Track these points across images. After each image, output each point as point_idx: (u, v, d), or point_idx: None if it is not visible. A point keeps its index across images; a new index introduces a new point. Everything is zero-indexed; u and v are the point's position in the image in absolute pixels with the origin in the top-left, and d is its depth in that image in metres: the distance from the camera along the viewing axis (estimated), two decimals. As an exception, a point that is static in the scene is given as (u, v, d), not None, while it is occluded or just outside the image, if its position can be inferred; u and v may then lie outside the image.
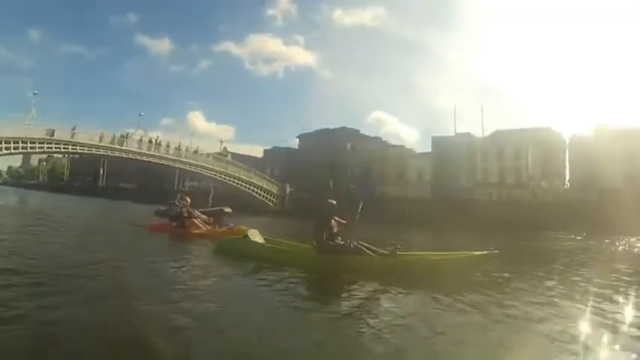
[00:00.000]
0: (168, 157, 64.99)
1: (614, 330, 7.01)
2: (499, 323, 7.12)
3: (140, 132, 65.97)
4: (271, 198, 74.50)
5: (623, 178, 57.28)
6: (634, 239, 31.56)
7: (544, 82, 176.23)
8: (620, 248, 26.80)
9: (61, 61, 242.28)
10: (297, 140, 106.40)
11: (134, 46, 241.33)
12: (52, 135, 53.05)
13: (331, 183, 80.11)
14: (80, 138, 55.20)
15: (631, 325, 7.47)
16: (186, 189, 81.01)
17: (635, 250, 26.39)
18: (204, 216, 22.91)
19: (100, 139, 57.50)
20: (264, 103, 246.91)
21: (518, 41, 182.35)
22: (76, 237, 19.11)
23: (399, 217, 47.66)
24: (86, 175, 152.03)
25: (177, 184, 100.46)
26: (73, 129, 54.29)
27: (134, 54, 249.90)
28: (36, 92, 59.75)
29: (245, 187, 71.37)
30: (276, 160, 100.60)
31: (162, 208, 27.45)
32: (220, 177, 69.42)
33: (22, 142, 50.10)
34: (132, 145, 61.44)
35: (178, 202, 23.02)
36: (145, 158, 63.81)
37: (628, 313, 8.34)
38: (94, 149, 58.62)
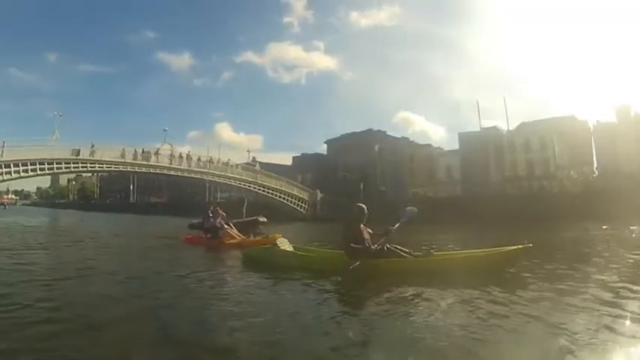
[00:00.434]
0: (196, 170, 65.60)
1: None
2: (536, 321, 6.78)
3: (166, 147, 66.38)
4: (302, 204, 74.68)
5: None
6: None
7: (564, 68, 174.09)
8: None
9: (81, 82, 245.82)
10: (326, 146, 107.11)
11: (154, 63, 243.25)
12: (78, 154, 54.06)
13: (361, 186, 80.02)
14: (102, 155, 56.06)
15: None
16: (218, 201, 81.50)
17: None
18: (233, 227, 22.63)
19: (122, 156, 57.83)
20: (290, 111, 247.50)
21: (536, 28, 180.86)
22: (116, 253, 19.77)
23: (431, 217, 47.02)
24: (116, 192, 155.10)
25: (207, 197, 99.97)
26: (92, 147, 54.89)
27: (155, 70, 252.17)
28: (58, 113, 61.56)
29: (275, 195, 71.71)
30: (306, 167, 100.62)
31: (195, 221, 28.00)
32: (250, 187, 69.89)
33: (48, 164, 51.12)
34: (159, 160, 62.33)
35: (212, 213, 23.05)
36: (172, 173, 64.96)
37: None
38: (121, 166, 60.00)
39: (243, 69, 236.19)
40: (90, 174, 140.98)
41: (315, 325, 7.04)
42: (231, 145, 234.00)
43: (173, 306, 8.62)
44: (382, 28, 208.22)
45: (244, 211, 38.40)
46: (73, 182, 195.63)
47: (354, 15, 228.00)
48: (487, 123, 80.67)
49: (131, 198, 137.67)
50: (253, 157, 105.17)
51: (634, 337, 6.12)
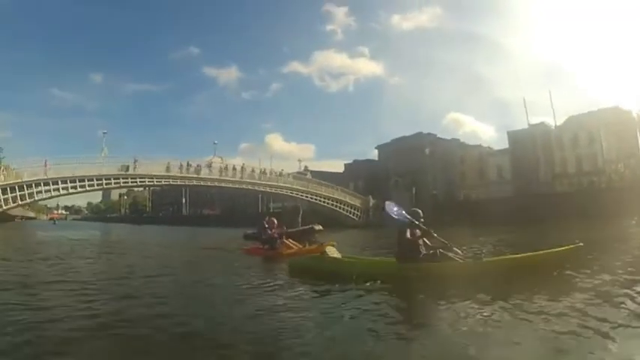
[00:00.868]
0: (247, 181, 67.05)
1: None
2: (586, 328, 6.48)
3: (216, 159, 67.94)
4: (355, 212, 75.52)
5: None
6: None
7: (606, 56, 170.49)
8: None
9: (128, 99, 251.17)
10: (377, 151, 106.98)
11: (202, 78, 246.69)
12: (127, 170, 56.43)
13: (413, 190, 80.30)
14: (146, 170, 58.41)
15: None
16: (271, 211, 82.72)
17: None
18: (289, 237, 22.41)
19: (167, 169, 60.08)
20: (340, 118, 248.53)
21: (575, 18, 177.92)
22: (178, 265, 20.03)
23: (482, 219, 46.78)
24: (169, 205, 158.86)
25: (260, 207, 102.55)
26: (135, 162, 56.83)
27: (203, 85, 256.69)
28: (105, 131, 63.85)
29: (327, 203, 73.25)
30: (358, 173, 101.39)
31: (250, 231, 29.67)
32: (302, 196, 71.04)
33: (97, 180, 53.90)
34: (209, 173, 63.95)
35: (267, 224, 22.88)
36: (223, 184, 66.62)
37: None
38: (171, 180, 62.40)
39: (291, 79, 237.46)
40: (142, 188, 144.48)
41: (365, 335, 6.95)
42: (283, 155, 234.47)
43: (218, 314, 8.87)
44: (424, 30, 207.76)
45: (300, 220, 39.46)
46: (125, 197, 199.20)
47: (395, 18, 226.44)
48: (536, 119, 79.87)
49: (184, 210, 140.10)
50: (305, 166, 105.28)
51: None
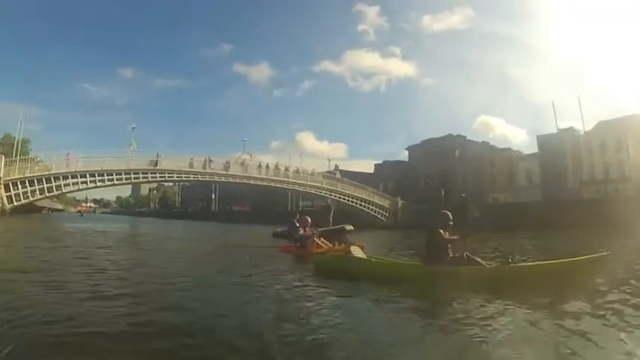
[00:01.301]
0: (275, 178, 66.53)
1: None
2: (610, 340, 6.29)
3: (245, 156, 68.29)
4: (383, 212, 74.47)
5: None
6: None
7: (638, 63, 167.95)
8: None
9: (158, 95, 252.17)
10: (407, 152, 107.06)
11: (233, 75, 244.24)
12: (156, 165, 56.48)
13: (442, 193, 79.29)
14: (169, 165, 58.26)
15: None
16: (300, 209, 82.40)
17: None
18: (320, 236, 21.63)
19: (190, 165, 59.54)
20: (372, 118, 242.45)
21: (608, 20, 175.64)
22: (204, 258, 20.14)
23: (510, 223, 46.36)
24: (198, 201, 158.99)
25: (290, 205, 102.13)
26: (157, 156, 56.95)
27: (234, 82, 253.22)
28: (134, 126, 63.57)
29: (356, 203, 72.04)
30: (388, 174, 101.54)
31: (280, 229, 29.76)
32: (330, 195, 70.38)
33: (126, 174, 53.94)
34: (237, 170, 63.71)
35: (298, 222, 22.66)
36: (251, 182, 66.16)
37: None
38: (199, 176, 62.09)
39: (322, 78, 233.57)
40: (171, 184, 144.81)
41: (388, 337, 6.87)
42: (315, 154, 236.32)
43: (232, 307, 8.74)
44: (456, 31, 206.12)
45: (331, 219, 38.56)
46: (155, 191, 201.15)
47: (426, 19, 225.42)
48: (566, 123, 78.64)
49: (213, 206, 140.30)
50: (336, 165, 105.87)
51: None
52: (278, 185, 68.70)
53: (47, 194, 50.40)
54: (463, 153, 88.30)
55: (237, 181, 66.22)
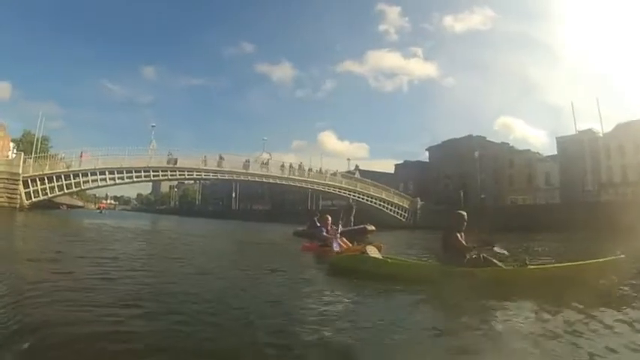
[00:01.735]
0: (295, 177, 66.53)
1: None
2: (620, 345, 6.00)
3: (265, 155, 68.65)
4: (402, 212, 73.93)
5: None
6: None
7: None
8: None
9: (180, 93, 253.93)
10: (427, 152, 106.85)
11: (255, 75, 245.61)
12: (175, 163, 56.46)
13: (461, 194, 79.10)
14: (184, 163, 57.93)
15: None
16: (320, 208, 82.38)
17: None
18: (341, 236, 20.69)
19: (204, 163, 59.27)
20: (394, 118, 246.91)
21: (629, 24, 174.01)
22: (220, 254, 19.64)
23: (529, 225, 47.08)
24: (218, 199, 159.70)
25: (310, 204, 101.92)
26: (169, 155, 56.84)
27: (257, 81, 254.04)
28: (154, 125, 63.94)
29: (375, 203, 71.56)
30: (408, 175, 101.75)
31: (300, 228, 29.62)
32: (349, 194, 69.30)
33: (145, 172, 54.26)
34: (256, 169, 63.96)
35: (319, 221, 22.58)
36: (270, 180, 66.31)
37: None
38: (219, 174, 62.36)
39: (345, 78, 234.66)
40: (192, 181, 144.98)
41: (403, 339, 6.51)
42: (337, 154, 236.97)
43: (245, 304, 8.41)
44: (478, 32, 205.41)
45: (352, 219, 38.03)
46: (175, 189, 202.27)
47: (448, 20, 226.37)
48: (585, 125, 78.15)
49: (233, 205, 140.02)
50: (356, 165, 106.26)
51: None
52: (297, 184, 68.48)
53: (66, 191, 50.57)
54: (483, 154, 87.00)
55: (257, 179, 66.14)
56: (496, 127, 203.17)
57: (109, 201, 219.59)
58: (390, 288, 10.13)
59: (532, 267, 10.74)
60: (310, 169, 69.17)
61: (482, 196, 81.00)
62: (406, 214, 74.61)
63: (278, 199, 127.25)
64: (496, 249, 10.95)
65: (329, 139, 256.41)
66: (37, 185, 46.44)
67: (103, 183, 52.38)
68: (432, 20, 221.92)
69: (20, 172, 45.54)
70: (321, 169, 70.99)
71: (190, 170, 59.20)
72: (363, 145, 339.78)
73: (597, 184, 72.03)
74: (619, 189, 67.91)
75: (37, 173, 46.63)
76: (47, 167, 48.07)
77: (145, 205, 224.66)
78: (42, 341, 5.44)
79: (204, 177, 67.03)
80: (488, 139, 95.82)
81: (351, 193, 70.05)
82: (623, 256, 10.47)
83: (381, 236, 26.00)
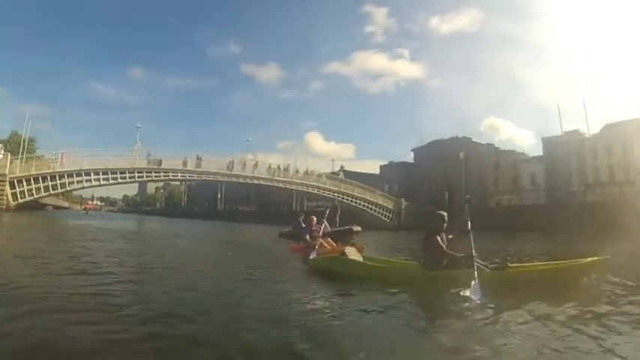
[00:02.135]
0: (279, 179, 67.95)
1: None
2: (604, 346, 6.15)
3: (249, 156, 70.00)
4: (386, 213, 75.38)
5: None
6: None
7: None
8: None
9: (168, 95, 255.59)
10: (413, 154, 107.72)
11: (241, 75, 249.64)
12: (160, 164, 57.99)
13: (446, 195, 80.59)
14: (167, 165, 59.54)
15: None
16: (305, 209, 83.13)
17: None
18: (326, 236, 20.48)
19: (184, 164, 60.59)
20: (380, 119, 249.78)
21: (618, 23, 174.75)
22: (200, 256, 19.75)
23: (514, 226, 47.95)
24: (204, 200, 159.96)
25: (295, 205, 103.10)
26: (148, 155, 58.15)
27: (242, 82, 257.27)
28: (139, 126, 65.09)
29: (359, 204, 73.22)
30: (393, 175, 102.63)
31: (286, 229, 29.31)
32: (333, 195, 70.59)
33: (130, 173, 55.63)
34: (239, 170, 65.32)
35: (304, 222, 23.01)
36: (255, 182, 67.44)
37: None
38: (203, 175, 63.81)
39: (331, 79, 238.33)
40: (178, 182, 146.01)
41: (381, 341, 6.62)
42: (322, 155, 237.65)
43: (222, 305, 8.51)
44: (465, 33, 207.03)
45: (337, 219, 38.57)
46: (161, 190, 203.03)
47: (434, 20, 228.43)
48: (573, 126, 78.97)
49: (219, 206, 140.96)
50: (341, 166, 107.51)
51: None
52: (281, 185, 69.73)
53: (52, 192, 51.59)
54: (468, 155, 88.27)
55: (241, 180, 67.40)
56: (482, 128, 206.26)
57: (95, 202, 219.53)
58: (369, 290, 10.27)
59: (514, 268, 10.67)
60: (297, 171, 70.66)
61: (468, 197, 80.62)
62: (390, 215, 76.04)
63: (263, 201, 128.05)
64: (475, 256, 10.53)
65: (315, 140, 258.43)
66: (23, 186, 47.45)
67: (88, 184, 53.28)
68: (419, 21, 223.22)
69: (7, 172, 46.32)
70: (307, 170, 72.39)
71: (175, 171, 60.62)
72: (349, 145, 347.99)
73: (583, 185, 73.23)
74: (606, 189, 69.17)
75: (23, 174, 47.43)
76: (33, 168, 48.84)
77: (131, 207, 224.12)
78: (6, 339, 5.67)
79: (188, 178, 68.04)
80: (474, 140, 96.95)
81: (336, 194, 71.04)
82: (608, 256, 10.77)
83: (365, 237, 25.78)
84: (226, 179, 67.61)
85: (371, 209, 74.38)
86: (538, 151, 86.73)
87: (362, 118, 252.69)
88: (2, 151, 49.23)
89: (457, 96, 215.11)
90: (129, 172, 55.76)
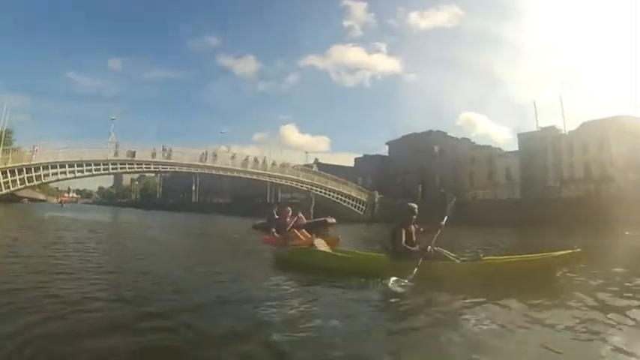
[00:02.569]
0: (252, 170, 69.40)
1: None
2: (580, 332, 6.59)
3: (223, 148, 71.56)
4: (360, 206, 76.85)
5: None
6: None
7: (628, 65, 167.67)
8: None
9: (145, 86, 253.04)
10: (387, 147, 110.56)
11: (219, 67, 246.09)
12: (134, 156, 59.40)
13: (419, 188, 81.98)
14: (143, 156, 61.30)
15: None
16: (279, 201, 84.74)
17: None
18: (301, 228, 21.29)
19: (152, 156, 61.93)
20: (356, 112, 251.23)
21: (598, 23, 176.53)
22: (169, 249, 19.98)
23: (488, 220, 48.17)
24: (179, 192, 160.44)
25: (269, 197, 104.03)
26: (116, 147, 59.29)
27: (220, 74, 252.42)
28: (113, 118, 66.23)
29: (332, 196, 74.68)
30: (368, 168, 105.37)
31: (260, 221, 29.67)
32: (306, 187, 72.76)
33: (104, 164, 57.00)
34: (216, 162, 66.88)
35: (277, 214, 23.36)
36: (228, 173, 69.22)
37: None
38: (176, 167, 65.62)
39: (308, 72, 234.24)
40: (153, 174, 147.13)
41: (349, 332, 6.63)
42: (297, 147, 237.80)
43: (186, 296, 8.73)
44: (443, 29, 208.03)
45: (312, 212, 39.22)
46: (136, 182, 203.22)
47: (413, 16, 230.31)
48: (551, 122, 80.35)
49: (193, 198, 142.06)
50: (315, 159, 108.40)
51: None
52: (254, 177, 71.22)
53: (27, 184, 52.48)
54: (443, 149, 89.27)
55: (213, 172, 68.92)
56: (459, 122, 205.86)
57: (71, 194, 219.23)
58: (335, 282, 10.44)
59: (486, 261, 10.94)
60: (274, 163, 72.05)
61: (442, 190, 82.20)
62: (364, 208, 77.37)
63: (238, 193, 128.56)
64: (431, 250, 11.02)
65: (291, 133, 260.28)
66: (-1, 179, 46.47)
67: (63, 176, 54.51)
68: (397, 16, 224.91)
69: (-18, 165, 45.61)
70: (283, 163, 73.87)
71: (148, 163, 62.02)
72: (325, 138, 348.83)
73: (559, 180, 74.64)
74: (581, 185, 70.56)
75: (0, 167, 48.90)
76: (10, 160, 49.61)
77: (107, 199, 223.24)
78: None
79: (161, 169, 69.49)
80: (450, 134, 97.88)
81: (310, 187, 72.74)
82: (579, 250, 10.87)
83: (338, 229, 26.58)
84: (199, 171, 69.17)
85: (345, 202, 76.07)
86: (514, 146, 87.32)
87: (338, 111, 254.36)
88: (-21, 144, 50.09)
89: (434, 91, 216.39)
90: (103, 164, 57.01)
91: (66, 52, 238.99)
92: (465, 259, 11.21)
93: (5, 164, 49.23)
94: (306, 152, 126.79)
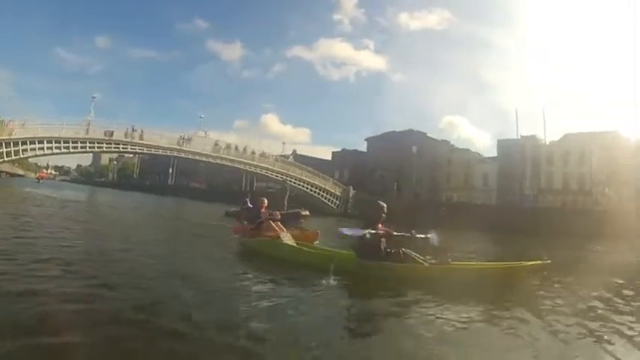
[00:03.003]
0: (226, 157, 71.15)
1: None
2: (544, 339, 6.91)
3: (200, 134, 72.24)
4: (334, 200, 79.30)
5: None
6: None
7: (618, 79, 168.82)
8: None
9: (131, 65, 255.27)
10: (366, 143, 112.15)
11: (206, 51, 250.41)
12: (111, 136, 60.93)
13: (395, 186, 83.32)
14: (120, 136, 62.68)
15: None
16: (254, 190, 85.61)
17: None
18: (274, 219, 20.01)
19: (125, 136, 63.02)
20: (338, 107, 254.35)
21: (588, 36, 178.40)
22: (141, 234, 20.04)
23: (462, 223, 45.34)
24: (156, 174, 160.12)
25: (244, 185, 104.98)
26: (88, 125, 59.87)
27: (206, 58, 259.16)
28: (94, 96, 67.50)
29: (307, 188, 76.62)
30: (345, 163, 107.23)
31: (232, 209, 31.31)
32: (281, 178, 73.90)
33: (82, 142, 58.41)
34: (193, 146, 68.45)
35: (251, 203, 23.34)
36: (203, 158, 71.16)
37: None
38: (152, 150, 67.49)
39: (293, 63, 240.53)
40: (131, 155, 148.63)
41: (305, 326, 6.98)
42: (278, 137, 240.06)
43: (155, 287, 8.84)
44: (432, 31, 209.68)
45: (286, 203, 39.97)
46: (115, 162, 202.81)
47: (403, 16, 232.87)
48: (532, 131, 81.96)
49: (170, 180, 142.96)
50: (294, 150, 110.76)
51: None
52: (229, 164, 72.93)
53: (5, 159, 54.47)
54: (422, 149, 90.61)
55: (190, 157, 70.73)
56: (442, 125, 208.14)
57: (49, 171, 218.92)
58: (301, 277, 10.78)
59: (454, 265, 11.25)
60: (253, 152, 73.80)
61: (418, 190, 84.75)
62: (338, 202, 79.11)
63: (215, 179, 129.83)
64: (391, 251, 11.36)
65: (272, 122, 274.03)
66: (-22, 153, 48.69)
67: (41, 152, 56.03)
68: (387, 15, 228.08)
69: (-40, 139, 47.63)
70: (263, 152, 75.78)
71: (125, 143, 63.61)
72: (306, 130, 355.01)
73: (536, 189, 76.27)
74: (558, 196, 71.91)
75: (-22, 141, 48.50)
76: None
77: (85, 177, 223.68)
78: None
79: (138, 151, 70.61)
80: (431, 135, 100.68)
81: (284, 177, 73.86)
82: (549, 261, 10.86)
83: (311, 222, 26.18)
84: (175, 154, 70.53)
85: (319, 194, 78.04)
86: (494, 152, 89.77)
87: (321, 103, 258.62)
88: (-40, 118, 51.33)
89: (419, 91, 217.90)
90: (81, 142, 58.56)
91: (53, 28, 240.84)
92: (433, 261, 11.24)
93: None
94: (284, 143, 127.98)
